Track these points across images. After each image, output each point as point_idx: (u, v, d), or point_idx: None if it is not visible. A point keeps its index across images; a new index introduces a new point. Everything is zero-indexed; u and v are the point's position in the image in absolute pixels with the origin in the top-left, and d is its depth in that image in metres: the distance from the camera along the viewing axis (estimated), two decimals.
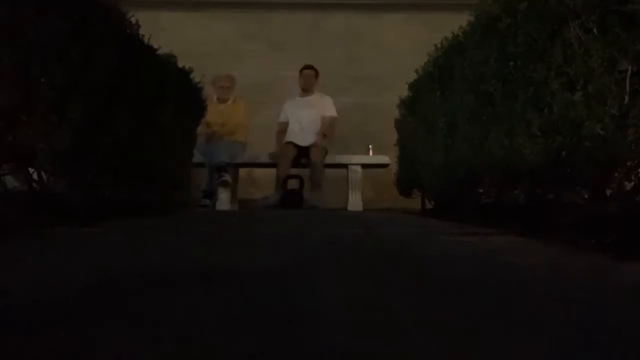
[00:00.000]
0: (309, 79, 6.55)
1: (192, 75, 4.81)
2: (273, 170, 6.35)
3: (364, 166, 6.43)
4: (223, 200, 6.17)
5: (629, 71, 2.13)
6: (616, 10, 2.14)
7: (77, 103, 2.82)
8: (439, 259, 1.93)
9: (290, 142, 6.33)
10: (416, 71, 4.82)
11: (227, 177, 6.06)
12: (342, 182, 6.36)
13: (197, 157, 5.53)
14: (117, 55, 3.20)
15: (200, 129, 5.64)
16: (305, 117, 6.39)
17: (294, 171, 6.50)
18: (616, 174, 2.28)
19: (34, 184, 2.87)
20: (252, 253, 2.01)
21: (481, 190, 3.54)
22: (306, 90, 6.55)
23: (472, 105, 3.35)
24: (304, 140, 6.29)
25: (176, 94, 4.35)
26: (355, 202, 6.27)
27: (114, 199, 3.35)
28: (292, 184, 6.63)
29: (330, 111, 6.46)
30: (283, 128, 6.49)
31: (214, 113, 6.06)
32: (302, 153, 6.30)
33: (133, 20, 3.67)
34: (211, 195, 6.02)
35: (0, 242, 2.04)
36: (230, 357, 0.83)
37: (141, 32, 3.78)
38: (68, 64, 2.75)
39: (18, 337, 0.91)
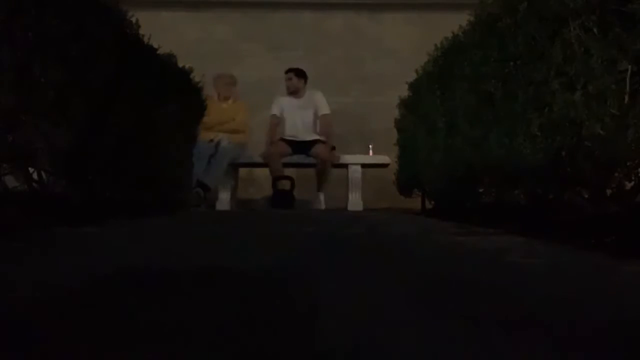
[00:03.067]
0: (289, 82, 6.39)
1: (192, 75, 4.81)
2: None
3: (364, 166, 6.43)
4: (223, 200, 6.17)
5: (629, 71, 2.13)
6: (616, 10, 2.14)
7: (77, 103, 2.83)
8: (438, 259, 1.93)
9: (284, 140, 6.25)
10: (416, 71, 4.82)
11: (202, 194, 5.95)
12: (342, 182, 6.36)
13: (196, 156, 5.51)
14: (117, 55, 3.20)
15: (200, 128, 5.63)
16: (302, 118, 6.34)
17: (285, 171, 6.51)
18: (616, 174, 2.28)
19: (34, 184, 2.87)
20: (252, 253, 2.01)
21: (481, 190, 3.54)
22: (293, 93, 6.41)
23: (472, 105, 3.35)
24: (304, 136, 6.26)
25: (176, 93, 4.35)
26: (355, 202, 6.27)
27: (114, 199, 3.35)
28: (283, 184, 6.62)
29: (324, 109, 6.34)
30: (277, 122, 6.38)
31: (215, 111, 6.06)
32: (302, 148, 6.23)
33: (133, 20, 3.67)
34: (205, 187, 5.94)
35: (1, 242, 2.04)
36: (231, 358, 0.83)
37: (141, 32, 3.78)
38: (68, 64, 2.75)
39: (18, 336, 0.91)
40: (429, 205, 4.97)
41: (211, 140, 6.10)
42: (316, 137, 6.24)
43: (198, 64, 4.95)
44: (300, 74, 6.43)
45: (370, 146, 6.58)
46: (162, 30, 4.62)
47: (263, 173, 6.91)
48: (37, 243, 2.12)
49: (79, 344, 0.87)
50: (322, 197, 6.20)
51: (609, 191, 2.33)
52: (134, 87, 3.47)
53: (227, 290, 1.30)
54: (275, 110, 6.43)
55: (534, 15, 2.60)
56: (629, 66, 2.12)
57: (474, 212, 3.44)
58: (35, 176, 2.88)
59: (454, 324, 1.01)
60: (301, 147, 6.24)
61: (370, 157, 6.53)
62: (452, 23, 3.88)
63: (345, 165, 6.35)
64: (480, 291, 1.32)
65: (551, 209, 2.58)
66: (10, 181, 2.81)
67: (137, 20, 3.70)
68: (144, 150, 3.71)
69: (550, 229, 2.40)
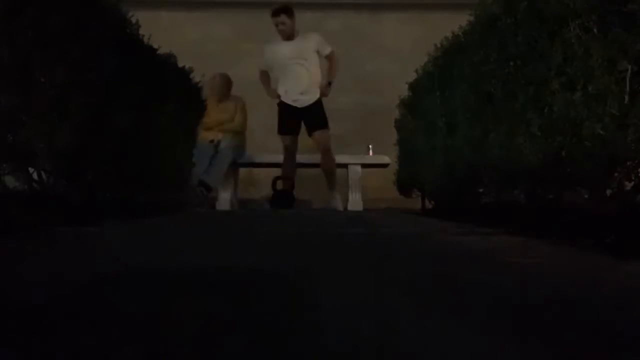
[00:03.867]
0: (283, 26, 5.63)
1: (192, 75, 4.81)
2: (273, 170, 6.33)
3: (364, 166, 6.43)
4: (223, 200, 6.17)
5: (629, 71, 2.13)
6: (616, 10, 2.14)
7: (77, 103, 2.82)
8: (438, 259, 1.93)
9: (284, 104, 5.78)
10: (416, 71, 4.82)
11: (205, 193, 5.94)
12: (342, 182, 6.36)
13: (197, 157, 5.51)
14: (117, 55, 3.20)
15: (200, 128, 5.63)
16: (299, 70, 5.73)
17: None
18: (616, 174, 2.28)
19: (34, 184, 2.87)
20: (253, 253, 2.01)
21: (481, 190, 3.54)
22: (288, 38, 5.71)
23: (472, 105, 3.35)
24: (301, 101, 5.76)
25: (176, 94, 4.35)
26: (355, 202, 6.28)
27: (114, 199, 3.35)
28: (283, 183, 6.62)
29: (326, 48, 5.83)
30: (266, 79, 5.88)
31: (215, 112, 6.06)
32: (306, 115, 5.78)
33: (133, 20, 3.67)
34: (207, 187, 5.94)
35: (1, 241, 2.04)
36: (231, 358, 0.83)
37: (141, 32, 3.78)
38: (68, 64, 2.75)
39: (17, 336, 0.91)
40: (429, 205, 4.97)
41: (211, 141, 6.10)
42: (317, 96, 5.78)
43: (198, 64, 4.95)
44: (291, 13, 5.67)
45: (370, 146, 6.58)
46: (162, 30, 4.62)
47: (263, 173, 6.91)
48: (37, 243, 2.12)
49: (79, 343, 0.87)
50: (337, 195, 5.95)
51: (609, 191, 2.33)
52: (134, 87, 3.47)
53: (227, 290, 1.30)
54: (264, 66, 5.85)
55: (534, 15, 2.60)
56: (629, 66, 2.12)
57: (474, 212, 3.44)
58: (35, 176, 2.88)
59: (453, 324, 1.01)
60: (304, 115, 5.79)
61: (370, 157, 6.53)
62: (452, 23, 3.88)
63: (345, 165, 6.35)
64: (480, 291, 1.32)
65: (551, 209, 2.58)
66: (10, 181, 2.81)
67: (137, 20, 3.70)
68: (143, 150, 3.71)
69: (550, 229, 2.40)
